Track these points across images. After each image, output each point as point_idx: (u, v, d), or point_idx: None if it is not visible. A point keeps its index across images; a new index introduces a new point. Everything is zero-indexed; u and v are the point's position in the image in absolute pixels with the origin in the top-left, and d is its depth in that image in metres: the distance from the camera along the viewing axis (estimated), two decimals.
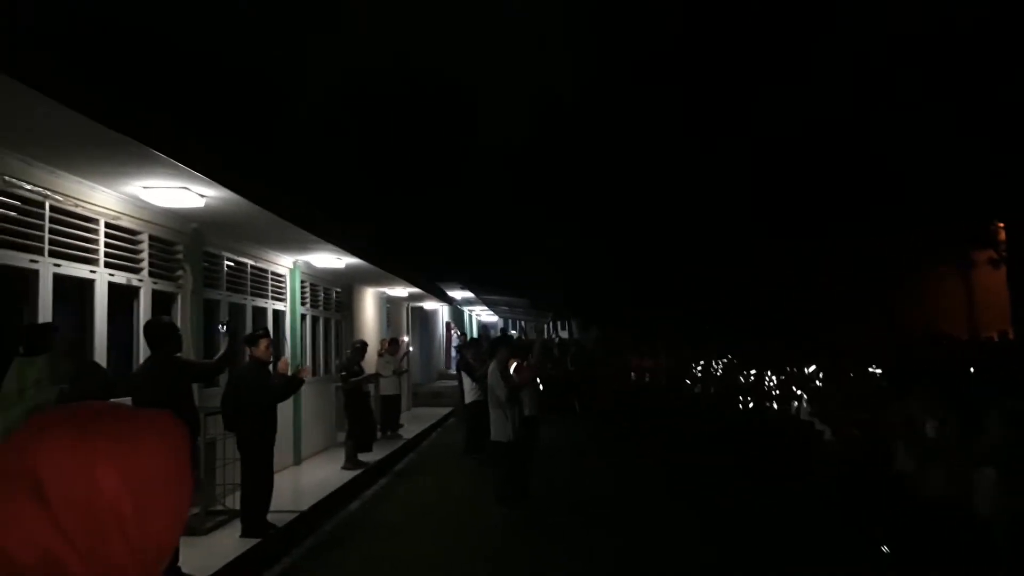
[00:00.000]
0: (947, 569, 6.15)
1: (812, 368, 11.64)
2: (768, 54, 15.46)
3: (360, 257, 11.14)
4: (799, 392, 11.11)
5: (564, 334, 46.97)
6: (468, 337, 23.75)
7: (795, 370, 12.35)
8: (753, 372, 13.92)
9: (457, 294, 23.86)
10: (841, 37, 14.20)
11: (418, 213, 23.76)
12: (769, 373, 13.13)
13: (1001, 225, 16.73)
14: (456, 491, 10.02)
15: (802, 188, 17.10)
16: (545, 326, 46.71)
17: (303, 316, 11.77)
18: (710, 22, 15.72)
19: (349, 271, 12.23)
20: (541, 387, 12.09)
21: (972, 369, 9.21)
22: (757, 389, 13.47)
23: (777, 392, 12.40)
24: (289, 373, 7.87)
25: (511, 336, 17.02)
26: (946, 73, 13.28)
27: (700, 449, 12.52)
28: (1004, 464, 5.65)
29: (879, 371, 10.07)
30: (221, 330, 7.40)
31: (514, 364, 10.48)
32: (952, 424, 6.46)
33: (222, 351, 6.74)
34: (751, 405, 13.42)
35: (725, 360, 16.40)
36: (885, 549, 6.92)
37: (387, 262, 12.86)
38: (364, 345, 11.86)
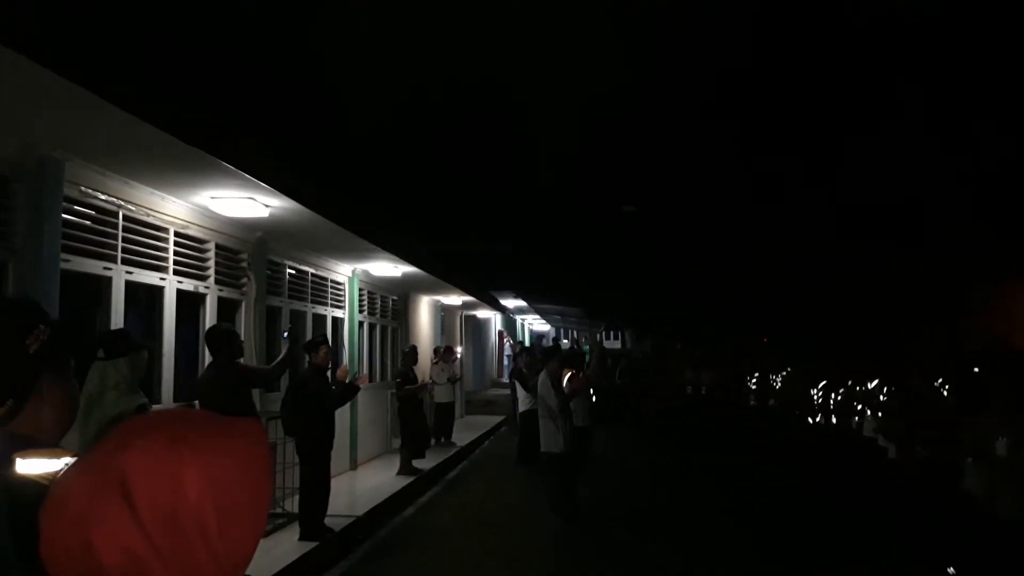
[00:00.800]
0: None
1: (875, 383, 11.30)
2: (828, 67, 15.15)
3: (416, 266, 11.27)
4: (862, 408, 10.81)
5: (616, 344, 46.67)
6: (522, 346, 23.79)
7: (858, 385, 12.02)
8: (815, 386, 13.60)
9: (510, 303, 23.92)
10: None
11: (477, 222, 23.88)
12: (831, 387, 12.81)
13: None
14: (508, 500, 10.02)
15: (872, 205, 16.68)
16: (598, 335, 46.48)
17: (361, 323, 11.94)
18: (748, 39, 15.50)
19: (405, 279, 12.38)
20: (594, 398, 12.05)
21: None
22: (818, 403, 13.15)
23: (837, 407, 12.09)
24: (347, 380, 7.99)
25: (561, 345, 16.97)
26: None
27: (757, 463, 12.29)
28: None
29: (946, 387, 9.74)
30: (284, 336, 7.56)
31: (568, 374, 10.46)
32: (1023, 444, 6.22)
33: (281, 356, 6.88)
34: (811, 419, 13.11)
35: (785, 373, 16.06)
36: (951, 571, 6.69)
37: (443, 271, 12.98)
38: (414, 349, 11.98)
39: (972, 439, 6.86)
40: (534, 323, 36.64)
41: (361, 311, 11.94)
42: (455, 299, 16.65)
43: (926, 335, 20.53)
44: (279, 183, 6.47)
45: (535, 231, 25.12)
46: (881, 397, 10.52)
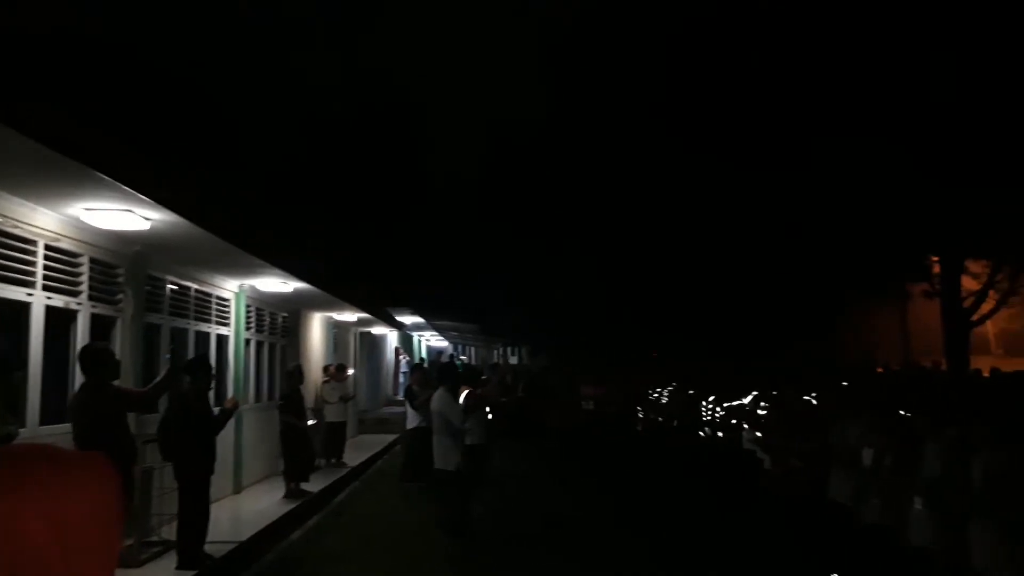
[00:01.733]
0: None
1: (751, 397, 11.86)
2: (720, 78, 15.91)
3: (307, 281, 11.01)
4: (740, 421, 11.31)
5: (514, 360, 46.96)
6: (420, 363, 23.57)
7: (737, 399, 12.58)
8: (701, 400, 14.12)
9: (407, 319, 23.70)
10: (794, 70, 14.69)
11: (371, 237, 23.61)
12: (713, 401, 13.34)
13: (935, 259, 17.38)
14: (401, 521, 9.87)
15: (746, 224, 17.60)
16: (495, 352, 46.64)
17: (247, 341, 11.56)
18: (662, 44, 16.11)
19: (296, 295, 12.07)
20: (490, 415, 12.07)
21: (907, 398, 9.51)
22: (702, 417, 13.66)
23: (720, 420, 12.60)
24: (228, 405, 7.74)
25: (457, 362, 16.95)
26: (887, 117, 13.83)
27: (648, 477, 12.61)
28: (939, 495, 5.81)
29: (815, 400, 10.33)
30: (166, 357, 7.25)
31: (465, 391, 10.45)
32: (888, 453, 6.64)
33: (160, 377, 6.58)
34: (698, 432, 13.60)
35: (671, 387, 16.61)
36: None
37: (335, 287, 12.74)
38: (298, 369, 11.64)
39: (840, 450, 7.28)
40: (431, 339, 36.42)
41: (248, 328, 11.55)
42: (349, 315, 16.35)
43: (801, 351, 21.76)
44: (159, 196, 6.20)
45: (434, 249, 25.13)
46: (758, 411, 11.04)
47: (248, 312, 11.53)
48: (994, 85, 13.00)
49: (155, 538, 7.59)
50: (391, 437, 18.14)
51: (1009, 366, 17.32)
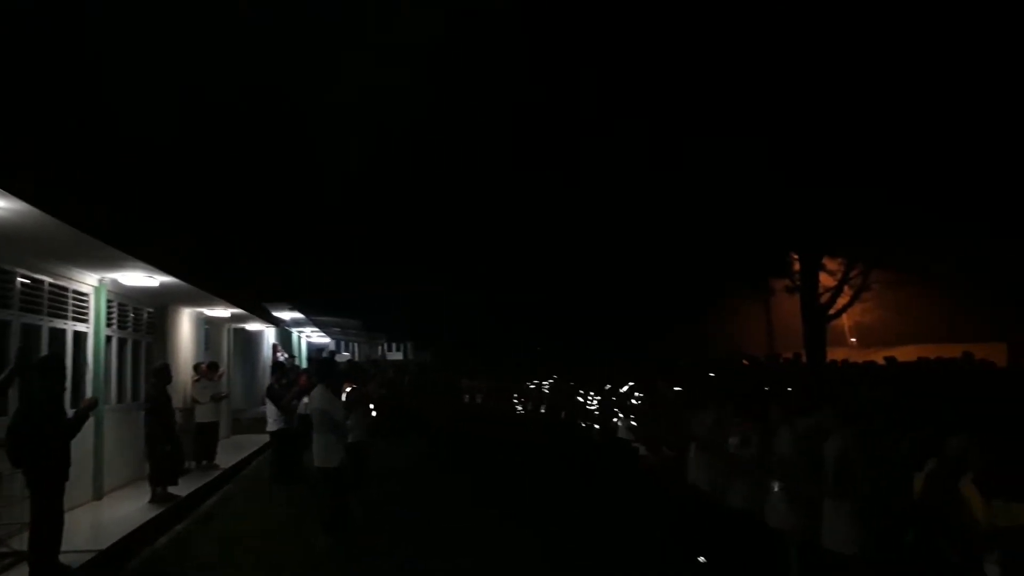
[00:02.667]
0: None
1: (627, 387, 12.26)
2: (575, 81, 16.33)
3: (175, 275, 10.47)
4: (616, 411, 11.66)
5: (399, 355, 46.56)
6: (295, 359, 22.95)
7: (614, 389, 12.96)
8: (579, 391, 14.46)
9: (285, 315, 23.00)
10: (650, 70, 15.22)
11: (249, 230, 22.78)
12: (592, 393, 13.68)
13: (795, 256, 18.50)
14: (276, 523, 9.60)
15: (621, 219, 18.17)
16: (379, 348, 46.09)
17: (109, 338, 10.89)
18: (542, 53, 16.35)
19: (163, 290, 11.47)
20: (374, 412, 11.94)
21: (767, 388, 10.08)
22: (581, 408, 13.99)
23: (597, 411, 12.94)
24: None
25: (336, 360, 16.64)
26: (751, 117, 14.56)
27: (528, 469, 12.80)
28: (794, 479, 6.17)
29: (687, 391, 10.80)
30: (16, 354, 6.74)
31: (348, 388, 10.29)
32: (750, 441, 7.00)
33: (2, 376, 6.11)
34: (578, 424, 13.92)
35: (552, 380, 16.92)
36: (702, 560, 7.38)
37: (206, 281, 12.19)
38: (165, 368, 11.12)
39: (708, 438, 7.63)
40: (312, 336, 35.52)
41: (110, 325, 10.89)
42: (222, 311, 15.69)
43: (674, 344, 22.70)
44: (6, 182, 5.74)
45: (316, 243, 24.52)
46: (633, 401, 11.43)
47: (110, 307, 10.87)
48: (853, 91, 13.93)
49: (5, 549, 7.11)
50: (267, 437, 17.58)
51: (862, 357, 18.69)
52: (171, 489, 10.39)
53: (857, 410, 6.18)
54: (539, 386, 17.78)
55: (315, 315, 25.88)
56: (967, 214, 14.69)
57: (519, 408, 17.42)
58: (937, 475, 5.11)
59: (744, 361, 18.18)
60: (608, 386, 13.19)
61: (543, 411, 16.92)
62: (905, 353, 18.20)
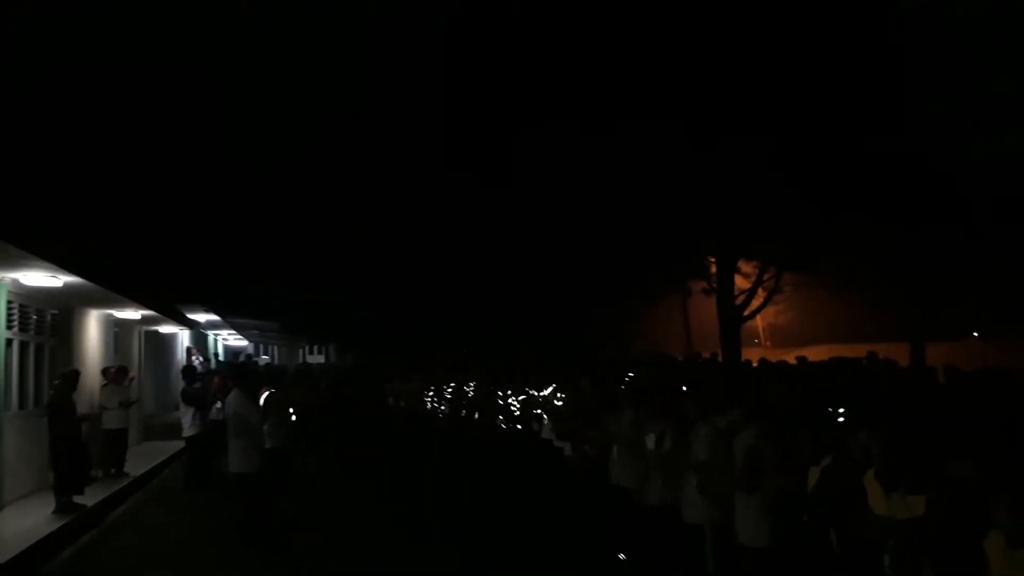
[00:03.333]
0: (668, 571, 6.80)
1: (551, 389, 12.36)
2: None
3: (79, 275, 10.00)
4: (539, 411, 11.74)
5: (320, 358, 45.76)
6: (211, 363, 22.30)
7: (536, 391, 13.05)
8: (500, 393, 14.50)
9: (200, 317, 22.31)
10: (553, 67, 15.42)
11: (164, 230, 22.00)
12: (514, 393, 13.75)
13: (712, 260, 19.03)
14: (190, 532, 9.31)
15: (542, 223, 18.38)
16: (300, 351, 45.19)
17: (8, 341, 10.33)
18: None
19: (68, 290, 10.96)
20: (293, 416, 11.72)
21: (685, 387, 10.32)
22: (505, 410, 14.02)
23: (520, 412, 13.00)
24: None
25: (254, 363, 16.22)
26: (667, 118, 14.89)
27: (452, 470, 12.78)
28: (709, 475, 6.33)
29: (609, 390, 10.96)
30: None
31: (265, 392, 10.07)
32: (668, 439, 7.15)
33: None
34: (501, 426, 13.94)
35: (474, 383, 16.93)
36: (621, 557, 7.49)
37: (114, 281, 11.69)
38: (74, 373, 10.65)
39: (627, 436, 7.76)
40: (229, 338, 34.57)
41: (10, 327, 10.34)
42: (132, 313, 15.09)
43: (596, 345, 23.06)
44: None
45: (233, 244, 23.85)
46: (556, 402, 11.54)
47: (10, 309, 10.32)
48: (768, 93, 14.40)
49: None
50: (181, 443, 17.01)
51: (775, 357, 19.34)
52: (77, 499, 9.94)
53: (765, 408, 6.39)
54: (461, 387, 17.77)
55: (232, 317, 25.20)
56: (875, 217, 15.38)
57: (441, 410, 17.36)
58: (834, 469, 5.33)
59: (661, 360, 18.61)
60: (532, 386, 13.29)
61: (466, 412, 16.89)
62: (815, 353, 18.94)
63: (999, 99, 5.11)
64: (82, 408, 11.55)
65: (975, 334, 30.51)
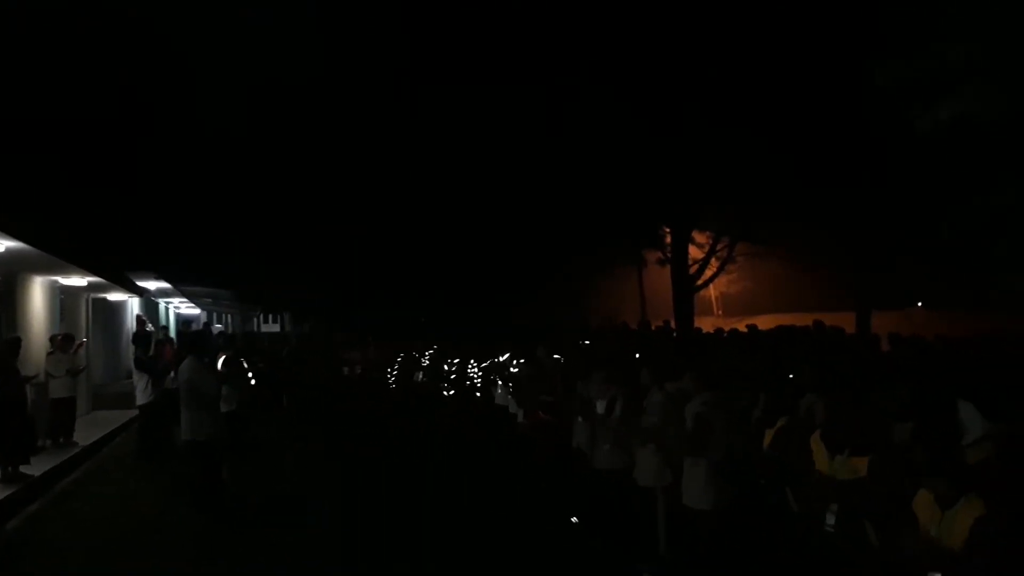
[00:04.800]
0: (619, 535, 6.95)
1: (506, 356, 12.46)
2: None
3: (21, 240, 9.68)
4: (495, 378, 11.82)
5: (276, 327, 45.22)
6: (166, 332, 21.90)
7: (494, 358, 13.14)
8: (457, 360, 14.55)
9: (151, 284, 21.80)
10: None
11: (115, 197, 21.43)
12: (472, 361, 13.80)
13: (667, 229, 19.24)
14: (142, 501, 9.19)
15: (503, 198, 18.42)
16: (255, 320, 44.59)
17: None
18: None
19: (10, 256, 10.60)
20: (253, 381, 11.61)
21: (638, 355, 10.48)
22: (460, 377, 14.08)
23: (478, 380, 13.08)
24: None
25: (209, 331, 16.00)
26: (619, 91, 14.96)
27: (407, 438, 12.82)
28: (660, 440, 6.46)
29: (561, 358, 11.09)
30: None
31: (222, 357, 9.97)
32: (620, 404, 7.26)
33: None
34: (454, 392, 14.01)
35: (432, 351, 16.95)
36: (574, 520, 7.64)
37: (59, 246, 11.34)
38: (16, 341, 10.40)
39: (579, 403, 7.87)
40: (181, 307, 33.94)
41: None
42: (79, 280, 14.68)
43: (555, 313, 23.22)
44: None
45: (186, 210, 23.35)
46: (512, 369, 11.63)
47: None
48: (720, 66, 14.53)
49: None
50: (132, 412, 16.72)
51: (727, 325, 19.70)
52: (23, 468, 9.74)
53: (716, 374, 6.53)
54: (419, 356, 17.78)
55: (183, 285, 24.72)
56: (825, 188, 15.69)
57: (403, 377, 17.36)
58: (786, 431, 5.49)
59: (615, 328, 18.83)
60: (489, 355, 13.39)
61: (420, 380, 16.92)
62: (766, 322, 19.33)
63: (939, 67, 5.23)
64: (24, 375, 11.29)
65: (919, 304, 31.48)
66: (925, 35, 5.32)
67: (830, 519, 4.67)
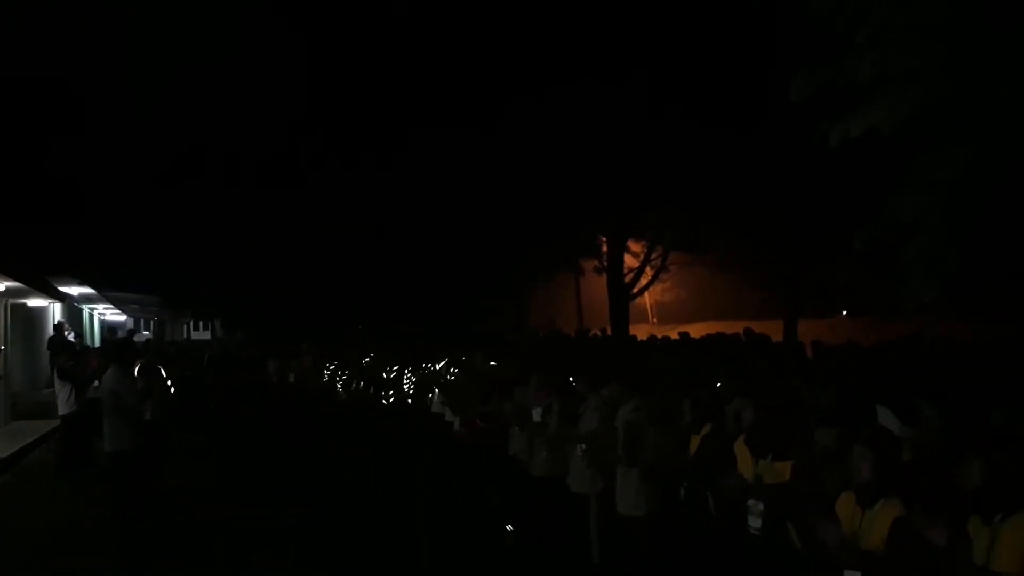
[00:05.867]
0: (553, 541, 7.02)
1: (443, 363, 12.45)
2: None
3: None
4: (431, 386, 11.78)
5: (206, 335, 44.09)
6: (84, 340, 21.13)
7: (430, 366, 13.10)
8: (394, 368, 14.45)
9: (73, 290, 21.03)
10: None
11: (37, 198, 20.59)
12: (408, 369, 13.73)
13: (603, 239, 19.57)
14: (63, 515, 8.87)
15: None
16: (185, 326, 43.40)
17: None
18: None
19: None
20: (172, 389, 11.30)
21: (574, 363, 10.58)
22: (396, 384, 13.98)
23: (413, 387, 13.01)
24: None
25: (132, 339, 15.54)
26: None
27: (338, 443, 12.72)
28: (594, 447, 6.55)
29: (498, 365, 11.14)
30: None
31: (137, 365, 9.65)
32: (555, 411, 7.33)
33: None
34: (391, 400, 13.89)
35: (368, 359, 16.79)
36: (509, 528, 7.67)
37: None
38: None
39: (516, 410, 7.92)
40: (106, 313, 32.80)
41: None
42: None
43: (491, 321, 23.28)
44: None
45: (112, 213, 22.59)
46: (449, 376, 11.62)
47: None
48: (650, 77, 14.86)
49: None
50: (54, 422, 16.09)
51: (661, 333, 20.11)
52: None
53: (645, 381, 6.66)
54: (353, 363, 17.62)
55: (109, 291, 23.92)
56: (753, 198, 16.17)
57: (336, 385, 17.13)
58: (712, 437, 5.64)
59: (553, 336, 19.00)
60: (426, 362, 13.33)
61: (354, 387, 16.74)
62: (698, 329, 19.79)
63: (851, 80, 5.44)
64: None
65: (843, 312, 32.63)
66: (835, 49, 5.53)
67: (754, 522, 4.80)
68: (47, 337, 20.53)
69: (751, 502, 4.76)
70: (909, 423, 5.03)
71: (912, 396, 5.46)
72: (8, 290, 14.96)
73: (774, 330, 17.22)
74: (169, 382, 11.12)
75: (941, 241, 5.26)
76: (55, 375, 11.95)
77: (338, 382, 17.30)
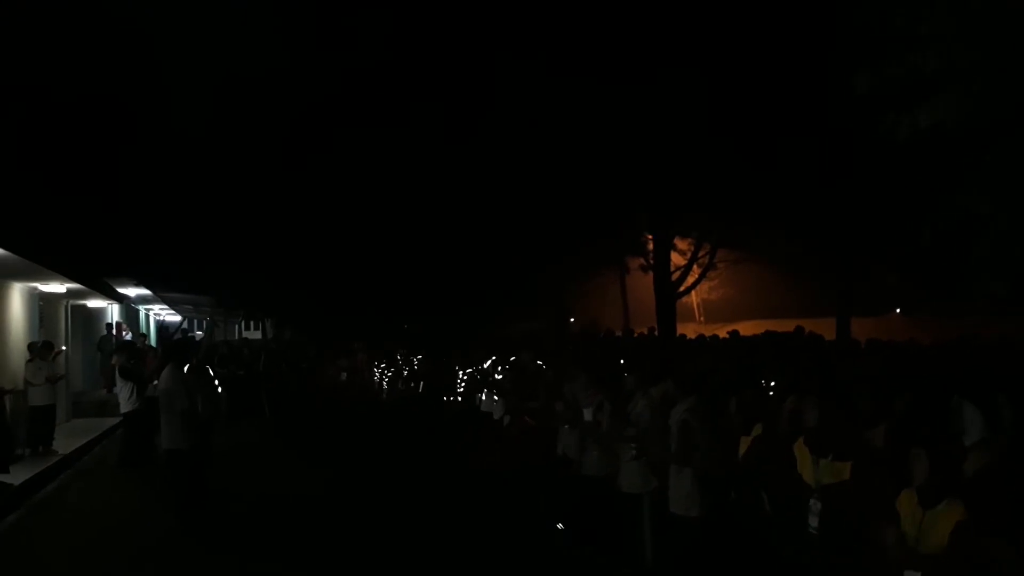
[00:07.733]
0: (605, 542, 6.97)
1: (490, 362, 12.49)
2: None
3: (1, 246, 9.57)
4: (480, 385, 11.83)
5: (257, 334, 44.87)
6: (146, 339, 21.71)
7: (478, 364, 13.16)
8: (447, 368, 14.55)
9: (130, 291, 21.61)
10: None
11: (95, 202, 21.21)
12: (457, 367, 13.81)
13: (649, 237, 19.38)
14: (123, 511, 9.10)
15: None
16: (237, 325, 44.21)
17: None
18: None
19: None
20: (220, 389, 11.53)
21: (622, 361, 10.52)
22: (446, 382, 14.06)
23: (462, 386, 13.07)
24: None
25: (190, 339, 15.89)
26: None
27: (391, 443, 12.83)
28: (645, 446, 6.49)
29: (545, 364, 11.13)
30: None
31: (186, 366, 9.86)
32: (606, 411, 7.28)
33: None
34: (442, 398, 13.99)
35: (419, 357, 16.94)
36: (560, 526, 7.64)
37: (36, 252, 11.23)
38: None
39: (566, 409, 7.88)
40: (161, 313, 33.65)
41: None
42: (57, 286, 14.53)
43: (539, 318, 23.29)
44: None
45: (165, 215, 23.13)
46: (496, 375, 11.65)
47: None
48: (704, 71, 14.66)
49: None
50: (113, 420, 16.55)
51: (709, 332, 19.84)
52: (1, 477, 9.62)
53: (696, 380, 6.57)
54: (403, 361, 17.78)
55: (164, 291, 24.52)
56: (806, 195, 15.86)
57: (388, 384, 17.31)
58: (764, 439, 5.53)
59: (600, 334, 18.91)
60: (474, 361, 13.40)
61: (403, 386, 16.88)
62: (747, 328, 19.51)
63: (914, 74, 5.34)
64: (5, 384, 11.17)
65: (897, 310, 31.84)
66: (901, 44, 5.42)
67: (813, 521, 4.72)
68: (99, 336, 21.12)
69: (811, 501, 4.69)
70: (991, 421, 4.91)
71: (995, 392, 5.31)
72: (69, 292, 15.42)
73: (826, 328, 16.88)
74: (216, 381, 11.36)
75: (1011, 237, 5.11)
76: (117, 374, 12.28)
77: (384, 380, 17.51)
